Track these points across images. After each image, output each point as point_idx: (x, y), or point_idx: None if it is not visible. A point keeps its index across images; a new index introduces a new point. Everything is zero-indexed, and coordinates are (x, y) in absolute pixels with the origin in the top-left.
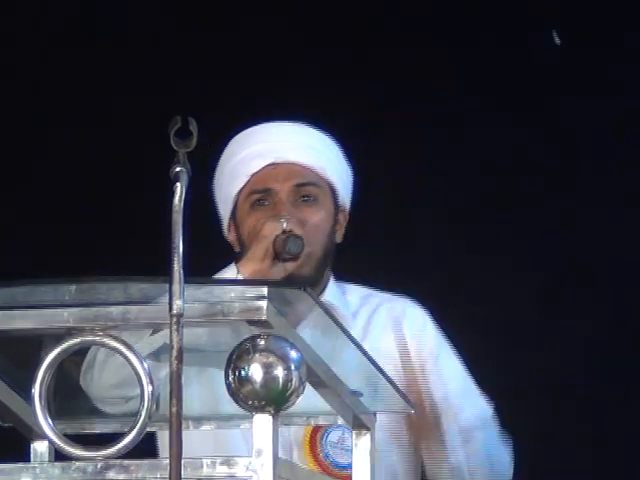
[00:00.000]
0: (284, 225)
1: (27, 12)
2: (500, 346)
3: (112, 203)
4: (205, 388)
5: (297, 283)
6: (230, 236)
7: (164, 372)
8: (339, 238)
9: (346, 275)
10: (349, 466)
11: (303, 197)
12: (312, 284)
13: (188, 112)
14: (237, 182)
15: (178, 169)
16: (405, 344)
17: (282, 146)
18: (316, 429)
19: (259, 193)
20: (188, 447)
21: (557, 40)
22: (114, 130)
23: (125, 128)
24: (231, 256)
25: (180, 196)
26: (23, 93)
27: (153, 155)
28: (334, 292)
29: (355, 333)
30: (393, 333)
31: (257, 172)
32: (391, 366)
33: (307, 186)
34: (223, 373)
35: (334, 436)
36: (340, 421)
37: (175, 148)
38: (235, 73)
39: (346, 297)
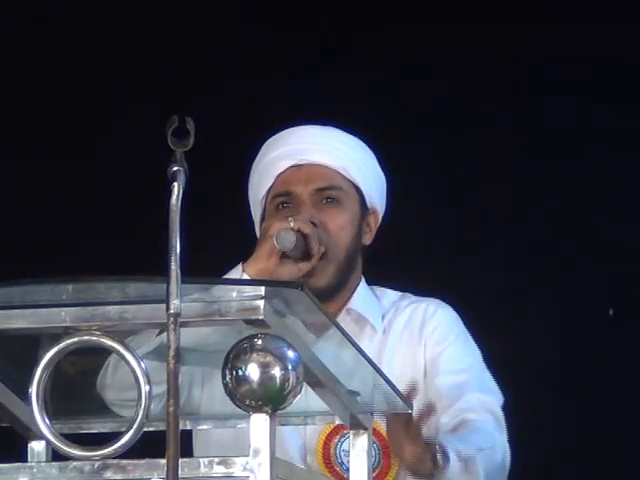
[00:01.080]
0: (291, 224)
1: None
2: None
3: (110, 202)
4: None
5: (295, 283)
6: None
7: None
8: (368, 240)
9: (385, 279)
10: None
11: (327, 199)
12: (335, 289)
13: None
14: (264, 184)
15: (175, 168)
16: (424, 343)
17: (305, 147)
18: (330, 436)
19: (282, 196)
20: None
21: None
22: (111, 129)
23: (123, 127)
24: (232, 255)
25: (177, 195)
26: (24, 90)
27: (150, 154)
28: (363, 298)
29: (378, 337)
30: (414, 333)
31: (281, 173)
32: (410, 364)
33: (329, 190)
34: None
35: (348, 443)
36: (337, 421)
37: (172, 147)
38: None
39: (381, 302)
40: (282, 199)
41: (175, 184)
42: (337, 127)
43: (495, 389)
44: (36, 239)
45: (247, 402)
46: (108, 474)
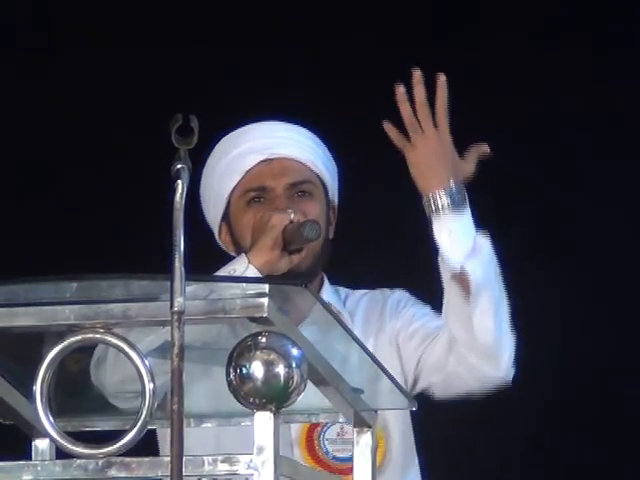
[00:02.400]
0: (291, 216)
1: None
2: None
3: (114, 200)
4: (210, 385)
5: (297, 279)
6: (222, 238)
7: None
8: (331, 233)
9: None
10: (349, 459)
11: (298, 192)
12: (312, 278)
13: (186, 109)
14: (230, 180)
15: (179, 166)
16: (388, 322)
17: (275, 142)
18: (312, 427)
19: (254, 191)
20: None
21: None
22: (114, 126)
23: (126, 125)
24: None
25: (181, 193)
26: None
27: (154, 152)
28: (329, 289)
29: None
30: (376, 318)
31: (251, 169)
32: (383, 347)
33: (303, 184)
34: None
35: (332, 432)
36: (341, 418)
37: (176, 145)
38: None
39: (346, 301)
40: (254, 194)
41: (179, 182)
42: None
43: None
44: (38, 237)
45: (251, 400)
46: (112, 472)
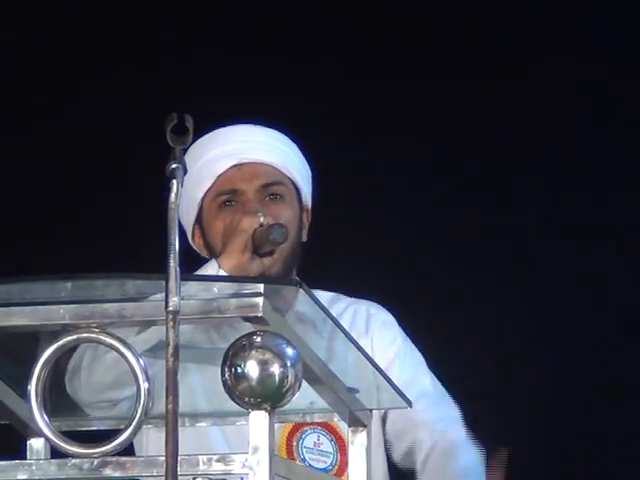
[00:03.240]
0: (261, 219)
1: None
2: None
3: (109, 199)
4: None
5: (292, 280)
6: (196, 242)
7: (156, 368)
8: (304, 237)
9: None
10: (325, 469)
11: (270, 195)
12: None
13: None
14: (202, 185)
15: (174, 166)
16: (371, 345)
17: (246, 146)
18: (291, 435)
19: (226, 194)
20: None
21: None
22: (109, 127)
23: (120, 125)
24: None
25: (176, 193)
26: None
27: (148, 152)
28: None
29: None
30: (358, 335)
31: (222, 173)
32: None
33: (273, 185)
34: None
35: (309, 441)
36: (336, 418)
37: (171, 144)
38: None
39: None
40: (225, 197)
41: (174, 181)
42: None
43: (452, 404)
44: (34, 235)
45: (246, 399)
46: (107, 471)
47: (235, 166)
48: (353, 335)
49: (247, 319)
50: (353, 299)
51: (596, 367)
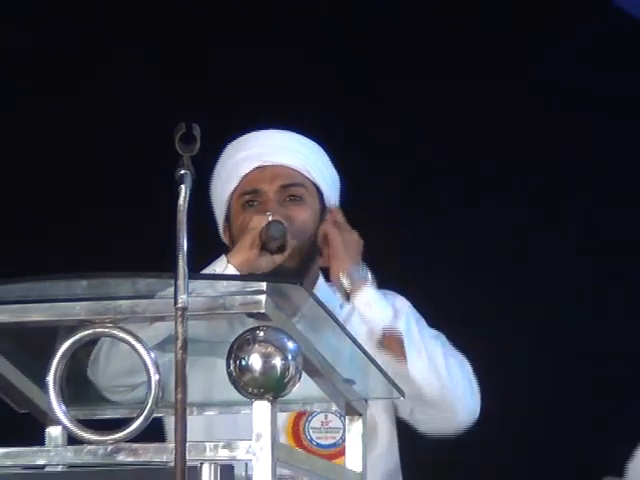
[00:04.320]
0: (269, 218)
1: None
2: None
3: (121, 205)
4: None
5: (291, 278)
6: (225, 236)
7: (166, 359)
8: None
9: None
10: (332, 445)
11: (290, 196)
12: (301, 275)
13: (191, 119)
14: (230, 184)
15: (183, 172)
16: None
17: (269, 150)
18: (298, 416)
19: (249, 194)
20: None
21: None
22: (119, 133)
23: (129, 131)
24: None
25: (185, 197)
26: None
27: (157, 159)
28: (324, 289)
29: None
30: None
31: (247, 174)
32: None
33: (293, 187)
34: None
35: (316, 422)
36: (334, 407)
37: (180, 152)
38: (233, 83)
39: (336, 294)
40: (248, 197)
41: (182, 186)
42: (298, 131)
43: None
44: (55, 239)
45: (250, 390)
46: (120, 457)
47: (258, 168)
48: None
49: (251, 315)
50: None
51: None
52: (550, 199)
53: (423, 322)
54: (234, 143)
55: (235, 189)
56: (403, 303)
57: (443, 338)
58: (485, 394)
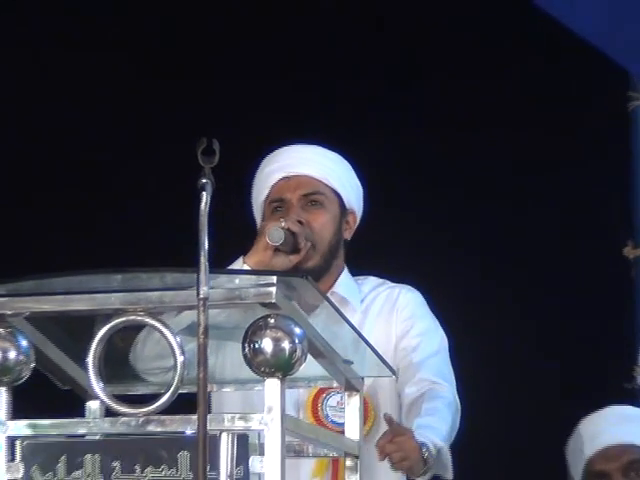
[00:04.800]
0: (282, 224)
1: None
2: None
3: (151, 210)
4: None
5: (300, 273)
6: None
7: (192, 345)
8: (348, 235)
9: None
10: (344, 424)
11: (311, 202)
12: (320, 273)
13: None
14: (262, 193)
15: (204, 181)
16: (396, 319)
17: (293, 162)
18: (318, 394)
19: (276, 201)
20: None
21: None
22: (146, 150)
23: (156, 146)
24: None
25: (206, 203)
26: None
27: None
28: (346, 283)
29: (357, 316)
30: (387, 312)
31: (275, 184)
32: (383, 338)
33: (313, 194)
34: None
35: (333, 400)
36: (335, 384)
37: (201, 164)
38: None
39: (360, 287)
40: (276, 204)
41: (204, 194)
42: (326, 145)
43: (441, 342)
44: (97, 241)
45: (262, 369)
46: (150, 427)
47: (284, 178)
48: (385, 310)
49: (263, 305)
50: (394, 284)
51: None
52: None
53: (434, 331)
54: (266, 157)
55: (266, 197)
56: (412, 298)
57: (444, 349)
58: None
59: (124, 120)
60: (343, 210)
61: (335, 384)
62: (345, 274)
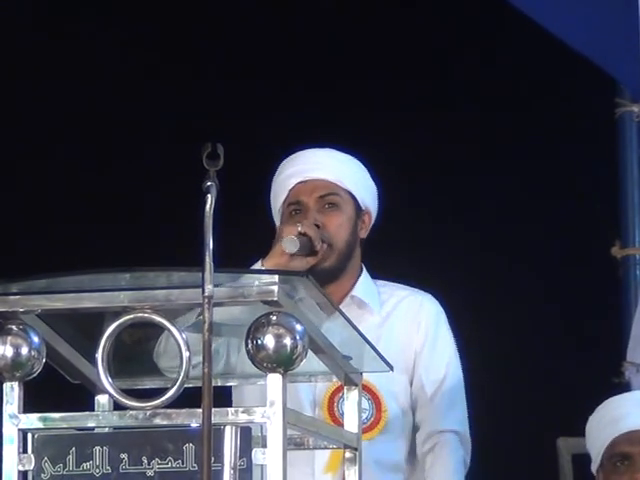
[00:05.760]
0: (299, 228)
1: None
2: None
3: (159, 212)
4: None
5: (301, 273)
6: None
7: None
8: (363, 234)
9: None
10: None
11: (327, 204)
12: (337, 273)
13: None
14: (280, 197)
15: (209, 184)
16: (417, 328)
17: (308, 167)
18: (334, 393)
19: (294, 205)
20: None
21: None
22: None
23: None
24: (251, 250)
25: (211, 205)
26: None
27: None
28: (365, 287)
29: (377, 320)
30: (410, 321)
31: (292, 188)
32: (405, 347)
33: (329, 196)
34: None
35: None
36: (334, 379)
37: (206, 167)
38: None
39: (379, 290)
40: (294, 207)
41: (209, 196)
42: (342, 149)
43: (462, 407)
44: (106, 237)
45: (265, 365)
46: (157, 420)
47: (301, 182)
48: (407, 318)
49: (265, 302)
50: (414, 290)
51: None
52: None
53: (458, 375)
54: (283, 163)
55: (284, 200)
56: (435, 314)
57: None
58: None
59: (133, 121)
60: (358, 210)
61: (334, 379)
62: (364, 276)
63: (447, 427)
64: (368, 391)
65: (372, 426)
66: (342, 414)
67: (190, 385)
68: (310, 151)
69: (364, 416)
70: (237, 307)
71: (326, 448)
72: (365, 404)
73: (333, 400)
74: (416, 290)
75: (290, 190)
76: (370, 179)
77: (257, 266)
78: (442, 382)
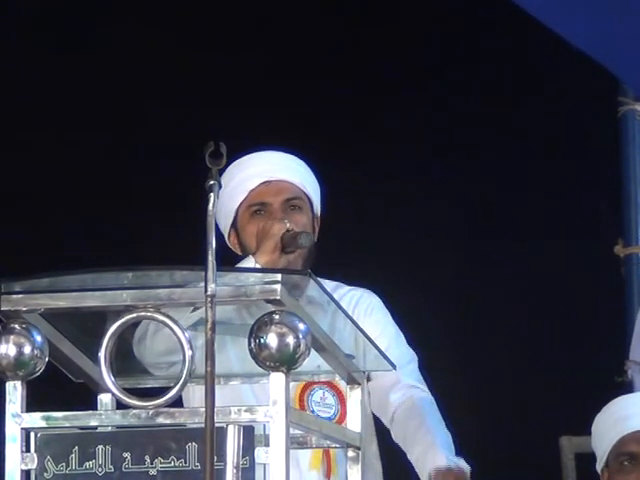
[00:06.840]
0: (287, 225)
1: None
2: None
3: (162, 210)
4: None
5: (303, 271)
6: (231, 241)
7: (201, 341)
8: (315, 238)
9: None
10: (329, 418)
11: (291, 206)
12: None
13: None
14: (238, 197)
15: (211, 182)
16: (357, 320)
17: (273, 168)
18: (303, 390)
19: (257, 205)
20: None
21: None
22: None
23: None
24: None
25: (213, 203)
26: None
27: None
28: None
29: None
30: (350, 313)
31: (254, 189)
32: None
33: (294, 199)
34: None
35: (317, 396)
36: (337, 377)
37: (209, 166)
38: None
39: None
40: (256, 207)
41: (211, 194)
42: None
43: (411, 352)
44: (115, 244)
45: (267, 363)
46: (160, 419)
47: (264, 183)
48: (348, 311)
49: (268, 301)
50: (351, 287)
51: None
52: None
53: (402, 339)
54: (239, 162)
55: (243, 201)
56: (372, 301)
57: (416, 360)
58: None
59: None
60: (312, 214)
61: (337, 377)
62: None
63: (408, 382)
64: (332, 387)
65: (340, 420)
66: (312, 411)
67: (192, 384)
68: (270, 152)
69: (331, 412)
70: (239, 306)
71: (329, 447)
72: (331, 400)
73: (303, 397)
74: (354, 287)
75: (251, 191)
76: (318, 183)
77: (249, 261)
78: (387, 349)
